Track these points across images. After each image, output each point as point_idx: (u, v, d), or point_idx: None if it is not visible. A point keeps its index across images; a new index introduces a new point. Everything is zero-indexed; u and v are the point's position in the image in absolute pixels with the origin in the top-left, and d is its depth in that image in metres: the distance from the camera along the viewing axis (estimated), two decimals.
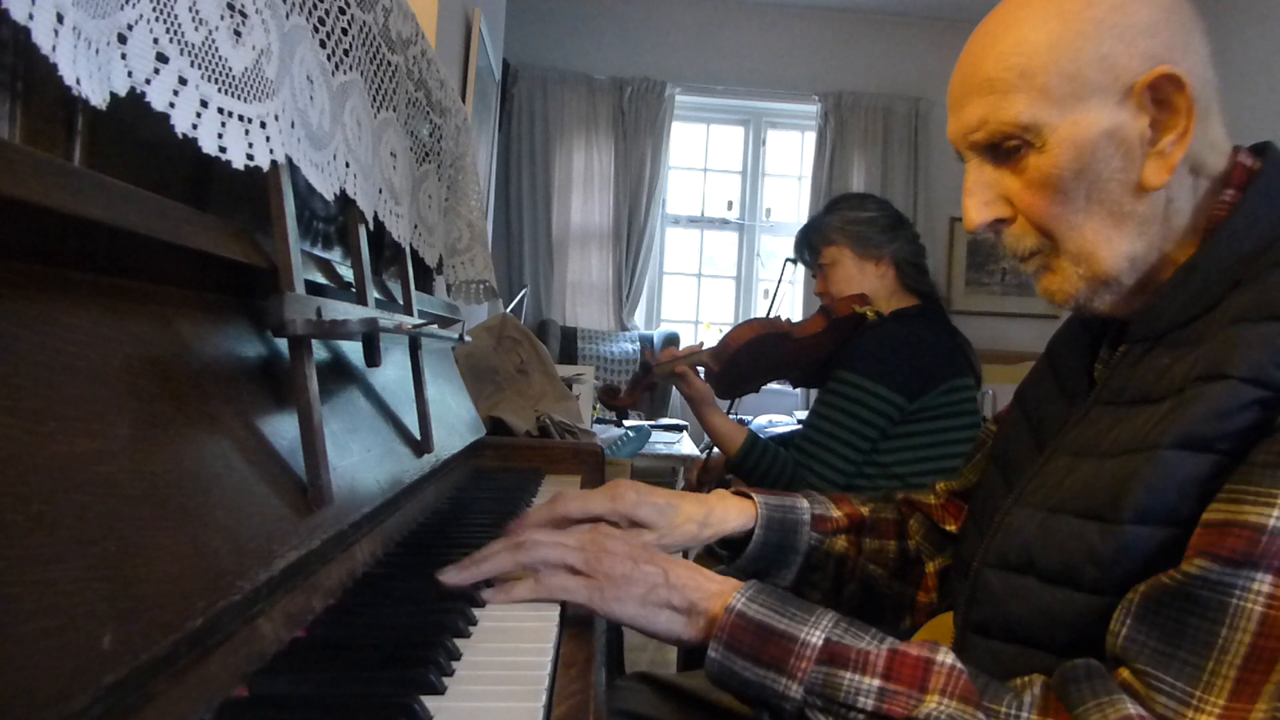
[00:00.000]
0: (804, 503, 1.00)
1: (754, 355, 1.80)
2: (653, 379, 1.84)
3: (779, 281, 2.21)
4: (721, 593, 0.71)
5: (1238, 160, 0.73)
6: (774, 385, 2.00)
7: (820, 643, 0.66)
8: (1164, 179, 0.70)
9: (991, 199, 0.75)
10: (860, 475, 1.69)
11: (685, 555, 3.27)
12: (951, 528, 1.00)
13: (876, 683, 0.64)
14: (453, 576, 0.75)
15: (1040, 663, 0.68)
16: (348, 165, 0.82)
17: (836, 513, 1.01)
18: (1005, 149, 0.73)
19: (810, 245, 1.87)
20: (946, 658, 0.64)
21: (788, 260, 2.09)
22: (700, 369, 1.82)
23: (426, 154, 1.20)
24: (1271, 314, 0.63)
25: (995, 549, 0.77)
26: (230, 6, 0.59)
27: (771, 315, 1.89)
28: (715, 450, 1.93)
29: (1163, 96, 0.69)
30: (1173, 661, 0.58)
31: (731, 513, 0.96)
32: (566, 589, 0.73)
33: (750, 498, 0.98)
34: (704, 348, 1.85)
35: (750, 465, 1.72)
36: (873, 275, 1.79)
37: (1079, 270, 0.74)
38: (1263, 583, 0.57)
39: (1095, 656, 0.66)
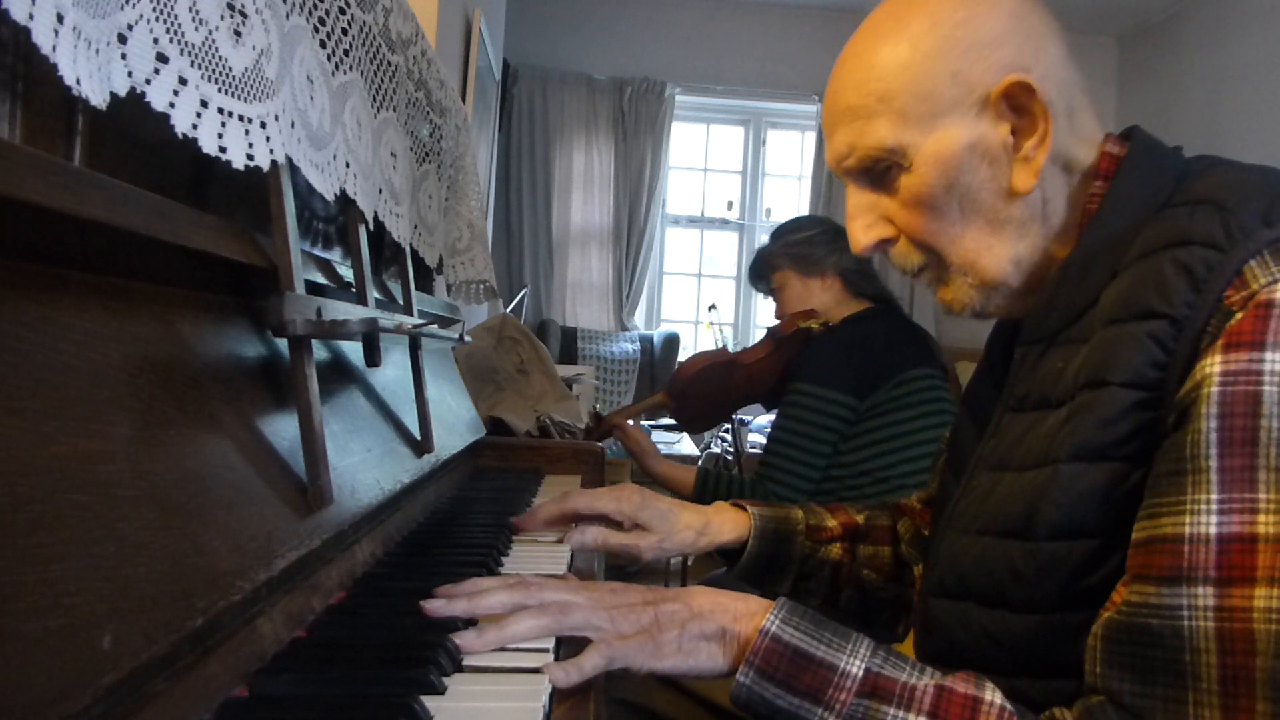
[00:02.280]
0: (799, 514, 1.03)
1: (707, 387, 1.87)
2: (606, 429, 1.90)
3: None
4: (750, 613, 0.67)
5: (1104, 149, 0.74)
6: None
7: (860, 673, 0.62)
8: (1031, 183, 0.71)
9: (873, 221, 0.77)
10: (827, 479, 1.71)
11: (686, 561, 3.28)
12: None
13: None
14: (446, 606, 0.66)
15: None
16: (348, 165, 0.82)
17: (831, 522, 1.03)
18: (877, 172, 0.75)
19: (760, 275, 1.94)
20: (995, 696, 0.61)
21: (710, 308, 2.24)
22: (658, 412, 1.92)
23: (426, 154, 1.20)
24: (1139, 312, 0.63)
25: (935, 577, 0.78)
26: (230, 6, 0.59)
27: (719, 347, 1.98)
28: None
29: (1018, 104, 0.70)
30: (1156, 703, 0.57)
31: (727, 524, 1.00)
32: (611, 657, 0.64)
33: (745, 510, 1.01)
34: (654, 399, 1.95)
35: (709, 497, 1.75)
36: (819, 290, 1.84)
37: (968, 280, 0.75)
38: (1205, 596, 0.55)
39: (1037, 675, 0.67)
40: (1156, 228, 0.66)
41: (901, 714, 0.60)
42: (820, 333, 1.77)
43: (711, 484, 1.77)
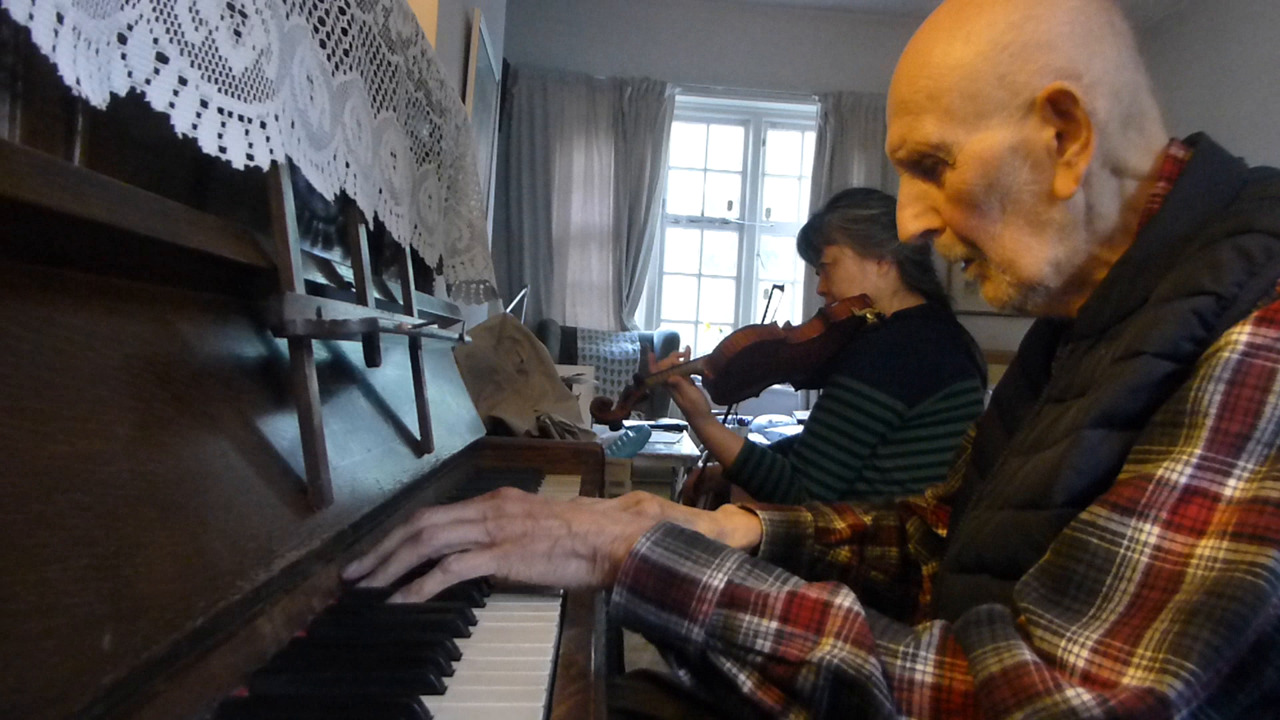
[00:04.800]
0: (807, 516, 1.02)
1: (750, 362, 1.78)
2: (645, 390, 1.82)
3: (767, 308, 2.26)
4: (625, 536, 0.71)
5: (1169, 153, 0.74)
6: (775, 386, 2.00)
7: (722, 585, 0.65)
8: (1072, 188, 0.71)
9: (922, 211, 0.79)
10: (860, 480, 1.67)
11: None
12: (943, 531, 1.02)
13: (774, 625, 0.63)
14: (365, 582, 0.73)
15: None
16: (348, 165, 0.82)
17: (840, 524, 1.03)
18: (925, 166, 0.77)
19: (811, 244, 1.84)
20: (845, 600, 0.63)
21: (775, 287, 2.13)
22: (696, 378, 1.80)
23: (426, 154, 1.20)
24: (1189, 290, 0.63)
25: (953, 554, 0.78)
26: (230, 6, 0.59)
27: (768, 321, 1.89)
28: (713, 461, 1.92)
29: (1063, 109, 0.71)
30: (1058, 604, 0.59)
31: (740, 530, 1.00)
32: (474, 567, 0.72)
33: (755, 514, 1.01)
34: (694, 357, 1.83)
35: (747, 474, 1.69)
36: (874, 275, 1.75)
37: (1006, 277, 0.76)
38: (1149, 534, 0.57)
39: None
40: (1219, 224, 0.67)
41: (755, 620, 0.63)
42: (874, 325, 1.69)
43: (755, 460, 1.68)
